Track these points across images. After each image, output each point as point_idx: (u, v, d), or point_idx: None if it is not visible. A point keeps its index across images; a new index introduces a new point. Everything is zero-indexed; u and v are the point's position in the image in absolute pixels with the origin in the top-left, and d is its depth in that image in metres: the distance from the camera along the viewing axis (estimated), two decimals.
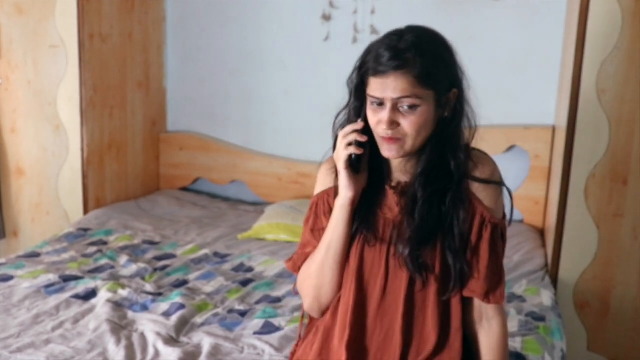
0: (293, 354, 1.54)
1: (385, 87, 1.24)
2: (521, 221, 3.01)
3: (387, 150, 1.29)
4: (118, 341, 1.87)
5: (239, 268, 2.56)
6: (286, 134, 3.37)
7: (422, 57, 1.23)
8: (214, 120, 3.54)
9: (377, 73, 1.25)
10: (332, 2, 3.17)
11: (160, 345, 1.85)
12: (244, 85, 3.44)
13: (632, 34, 2.30)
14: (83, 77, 2.96)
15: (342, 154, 1.31)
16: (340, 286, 1.39)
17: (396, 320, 1.34)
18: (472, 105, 1.36)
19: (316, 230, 1.43)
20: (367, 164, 1.36)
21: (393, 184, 1.37)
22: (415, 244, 1.30)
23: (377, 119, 1.27)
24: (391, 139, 1.27)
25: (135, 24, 3.27)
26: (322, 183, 1.44)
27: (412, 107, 1.24)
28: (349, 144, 1.31)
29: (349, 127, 1.32)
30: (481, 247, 1.32)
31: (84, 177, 3.06)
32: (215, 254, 2.70)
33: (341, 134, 1.32)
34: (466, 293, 1.34)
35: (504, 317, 1.38)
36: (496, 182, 1.33)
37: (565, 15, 2.83)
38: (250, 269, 2.55)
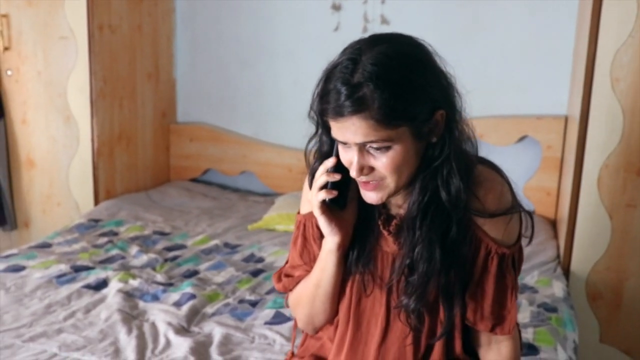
0: (292, 353, 1.44)
1: (345, 132, 1.04)
2: (533, 212, 2.99)
3: (367, 197, 1.12)
4: (129, 331, 1.87)
5: (250, 258, 2.56)
6: (296, 125, 3.28)
7: (384, 92, 1.00)
8: (223, 111, 3.54)
9: (333, 117, 1.05)
10: None
11: (172, 335, 1.86)
12: (253, 76, 3.44)
13: None
14: (93, 68, 2.96)
15: (314, 200, 1.15)
16: (334, 313, 1.27)
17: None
18: (467, 121, 1.14)
19: (306, 256, 1.29)
20: (356, 193, 1.16)
21: (388, 216, 1.20)
22: (417, 294, 1.14)
23: (348, 160, 1.09)
24: (369, 184, 1.10)
25: (144, 15, 3.26)
26: (308, 199, 1.23)
27: (383, 149, 1.05)
28: (321, 188, 1.14)
29: (321, 167, 1.15)
30: (486, 282, 1.17)
31: (95, 168, 3.06)
32: (226, 245, 2.70)
33: (316, 175, 1.15)
34: (471, 325, 1.21)
35: (515, 341, 1.24)
36: (503, 214, 1.13)
37: (579, 3, 2.80)
38: (260, 260, 2.55)
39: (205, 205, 3.22)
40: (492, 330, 1.20)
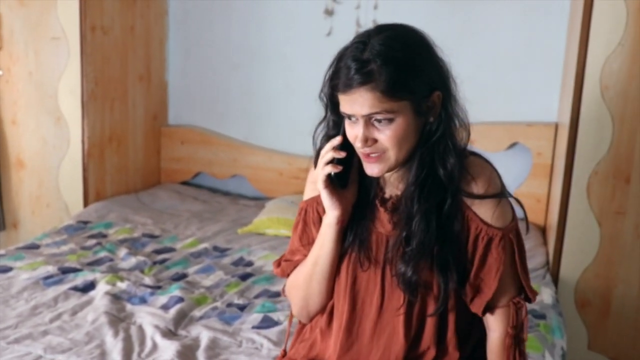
0: (284, 352, 1.47)
1: (353, 104, 1.14)
2: (523, 219, 2.99)
3: (369, 169, 1.20)
4: (116, 333, 1.86)
5: (239, 262, 2.55)
6: (287, 129, 3.36)
7: (389, 67, 1.11)
8: (215, 115, 3.53)
9: (343, 89, 1.15)
10: None
11: (158, 338, 1.85)
12: (245, 80, 3.43)
13: (637, 31, 2.28)
14: (84, 69, 2.95)
15: (320, 173, 1.23)
16: (329, 296, 1.33)
17: (395, 340, 1.27)
18: (462, 105, 1.24)
19: (305, 239, 1.36)
20: (357, 176, 1.27)
21: (384, 197, 1.28)
22: (414, 263, 1.21)
23: (354, 135, 1.18)
24: (371, 156, 1.18)
25: (137, 17, 3.26)
26: (312, 188, 1.34)
27: (386, 121, 1.15)
28: (327, 163, 1.22)
29: (328, 145, 1.23)
30: (475, 259, 1.23)
31: (85, 169, 3.05)
32: (215, 248, 2.69)
33: (322, 152, 1.24)
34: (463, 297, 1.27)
35: (501, 331, 1.27)
36: (491, 196, 1.21)
37: (569, 11, 2.81)
38: (249, 263, 2.55)
39: (195, 209, 3.21)
40: (471, 301, 1.26)
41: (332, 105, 1.23)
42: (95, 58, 3.00)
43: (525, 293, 1.29)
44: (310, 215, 1.35)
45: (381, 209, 1.27)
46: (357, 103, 1.14)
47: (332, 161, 1.22)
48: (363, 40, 1.16)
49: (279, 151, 3.38)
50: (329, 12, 3.19)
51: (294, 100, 3.32)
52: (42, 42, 2.98)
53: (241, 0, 3.35)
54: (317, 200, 1.32)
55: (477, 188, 1.21)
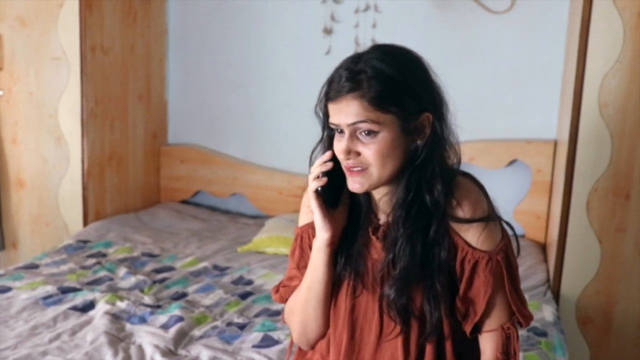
0: None
1: (339, 112, 1.15)
2: (523, 236, 2.99)
3: (350, 183, 1.19)
4: (115, 353, 1.85)
5: (239, 281, 2.54)
6: (287, 148, 3.36)
7: (379, 79, 1.12)
8: (214, 133, 3.54)
9: (332, 98, 1.16)
10: (333, 15, 3.18)
11: (158, 358, 1.83)
12: (245, 98, 3.45)
13: (634, 48, 2.29)
14: (84, 89, 2.97)
15: (309, 189, 1.23)
16: (326, 321, 1.31)
17: None
18: (453, 130, 1.23)
19: (302, 264, 1.34)
20: (348, 200, 1.26)
21: (376, 225, 1.26)
22: (401, 287, 1.19)
23: (340, 149, 1.17)
24: (353, 170, 1.17)
25: (137, 36, 3.28)
26: (306, 212, 1.33)
27: (370, 134, 1.14)
28: (314, 179, 1.22)
29: (317, 161, 1.23)
30: (463, 282, 1.22)
31: (84, 188, 3.05)
32: (215, 267, 2.68)
33: (311, 170, 1.24)
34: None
35: (490, 356, 1.25)
36: (478, 220, 1.19)
37: (567, 28, 2.83)
38: (249, 282, 2.54)
39: (195, 227, 3.21)
40: (464, 319, 1.24)
41: (327, 119, 1.22)
42: (95, 78, 3.01)
43: (518, 318, 1.26)
44: (306, 241, 1.34)
45: (373, 237, 1.26)
46: (343, 111, 1.15)
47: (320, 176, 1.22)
48: (359, 55, 1.18)
49: (279, 170, 3.38)
50: (328, 31, 3.21)
51: (293, 119, 3.33)
52: (42, 62, 3.00)
53: (241, 19, 3.37)
54: (311, 225, 1.31)
55: (463, 212, 1.19)
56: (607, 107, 2.35)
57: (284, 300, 1.38)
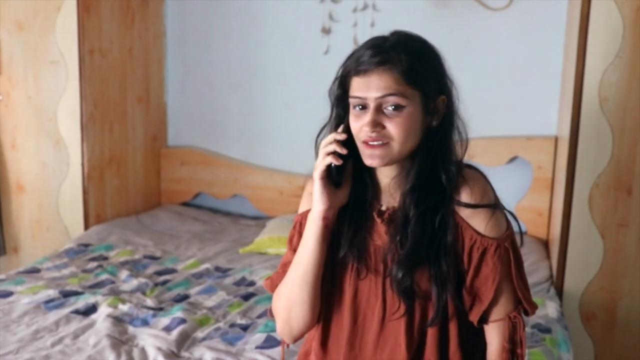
0: None
1: (368, 86, 1.16)
2: (525, 233, 2.99)
3: (369, 157, 1.18)
4: (118, 356, 1.84)
5: (241, 282, 2.54)
6: (287, 148, 3.36)
7: (408, 55, 1.16)
8: (214, 135, 3.54)
9: (360, 72, 1.17)
10: (332, 15, 3.18)
11: None
12: (244, 100, 3.44)
13: (634, 42, 2.29)
14: (83, 92, 2.96)
15: (320, 163, 1.21)
16: (313, 310, 1.28)
17: (398, 352, 1.24)
18: (462, 117, 1.26)
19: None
20: (351, 183, 1.26)
21: (381, 209, 1.26)
22: (408, 266, 1.20)
23: (360, 124, 1.18)
24: (374, 144, 1.17)
25: (135, 39, 3.28)
26: (307, 200, 1.33)
27: (397, 108, 1.16)
28: (328, 154, 1.20)
29: (331, 136, 1.22)
30: (470, 269, 1.23)
31: (85, 192, 3.04)
32: (217, 269, 2.68)
33: (322, 143, 1.23)
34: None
35: (497, 345, 1.25)
36: (485, 206, 1.21)
37: (566, 24, 2.83)
38: (251, 283, 2.53)
39: (196, 229, 3.20)
40: (470, 309, 1.25)
41: (339, 100, 1.24)
42: (94, 81, 3.01)
43: (524, 306, 1.26)
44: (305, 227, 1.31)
45: (378, 221, 1.26)
46: (373, 84, 1.16)
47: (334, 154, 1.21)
48: (382, 36, 1.21)
49: (279, 170, 3.38)
50: (326, 31, 3.20)
51: (293, 119, 3.33)
52: (41, 66, 3.00)
53: (239, 20, 3.37)
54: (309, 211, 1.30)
55: (472, 198, 1.21)
56: (607, 102, 2.35)
57: (275, 286, 1.34)
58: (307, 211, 1.30)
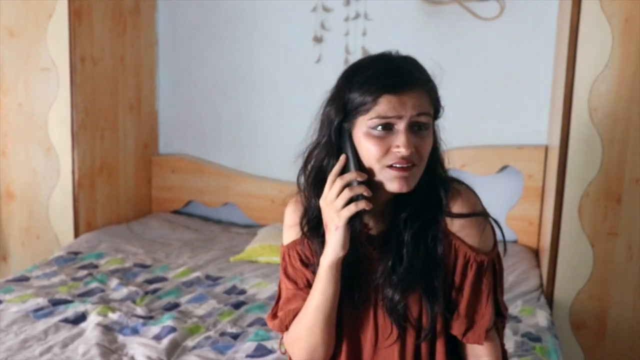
0: None
1: (403, 103, 1.10)
2: (515, 241, 3.00)
3: (398, 181, 1.12)
4: None
5: (231, 290, 2.53)
6: (278, 156, 3.35)
7: (426, 75, 1.18)
8: (205, 143, 3.53)
9: (400, 89, 1.11)
10: (323, 24, 3.19)
11: None
12: (235, 108, 3.44)
13: (623, 53, 2.31)
14: (74, 99, 2.95)
15: (345, 212, 1.12)
16: (333, 344, 1.26)
17: None
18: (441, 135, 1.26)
19: (301, 282, 1.28)
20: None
21: (370, 235, 1.23)
22: (402, 288, 1.18)
23: (386, 146, 1.11)
24: (404, 167, 1.11)
25: (127, 46, 3.27)
26: (293, 231, 1.28)
27: (426, 128, 1.14)
28: (355, 197, 1.12)
29: (349, 177, 1.13)
30: (464, 288, 1.21)
31: (75, 200, 3.03)
32: (207, 277, 2.67)
33: (334, 178, 1.14)
34: (450, 331, 1.24)
35: (496, 356, 1.25)
36: (477, 215, 1.20)
37: (556, 34, 2.85)
38: (242, 292, 2.52)
39: (187, 237, 3.20)
40: (465, 334, 1.22)
41: (339, 125, 1.16)
42: (85, 88, 3.00)
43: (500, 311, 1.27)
44: (296, 257, 1.28)
45: (369, 247, 1.23)
46: (409, 103, 1.11)
47: (357, 198, 1.12)
48: (389, 56, 1.19)
49: (271, 178, 3.37)
50: (318, 40, 3.21)
51: (284, 127, 3.33)
52: (32, 73, 2.99)
53: (231, 28, 3.37)
54: (297, 243, 1.27)
55: (463, 210, 1.21)
56: (597, 112, 2.37)
57: (284, 325, 1.28)
58: (294, 242, 1.28)
